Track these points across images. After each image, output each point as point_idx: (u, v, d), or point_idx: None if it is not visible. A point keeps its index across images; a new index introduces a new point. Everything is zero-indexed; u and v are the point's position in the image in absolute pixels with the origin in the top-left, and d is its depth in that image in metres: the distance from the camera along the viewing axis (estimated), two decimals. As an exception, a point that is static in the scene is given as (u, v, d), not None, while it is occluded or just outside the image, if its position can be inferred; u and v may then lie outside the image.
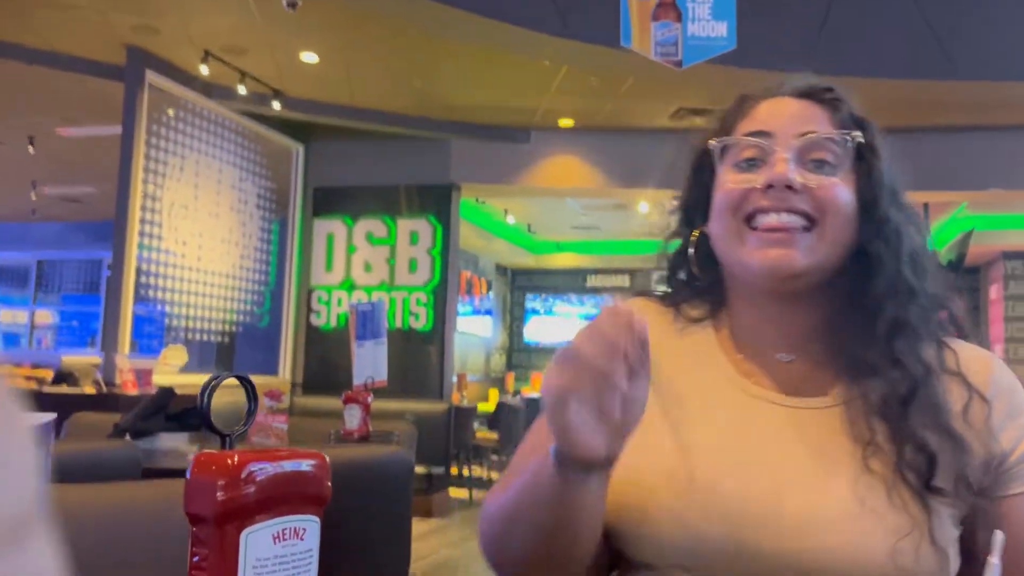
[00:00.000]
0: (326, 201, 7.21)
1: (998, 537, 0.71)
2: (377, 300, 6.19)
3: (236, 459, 0.67)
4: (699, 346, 0.95)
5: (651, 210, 8.58)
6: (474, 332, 10.55)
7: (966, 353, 0.90)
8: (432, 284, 7.07)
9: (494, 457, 7.81)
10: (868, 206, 0.87)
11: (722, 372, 0.92)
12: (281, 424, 2.83)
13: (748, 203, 0.87)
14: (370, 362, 3.29)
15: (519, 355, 12.10)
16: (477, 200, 8.30)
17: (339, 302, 7.12)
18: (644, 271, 1.07)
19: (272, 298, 7.06)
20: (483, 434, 7.83)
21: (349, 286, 7.17)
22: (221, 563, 0.66)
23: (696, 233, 0.96)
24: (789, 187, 0.85)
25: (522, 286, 12.23)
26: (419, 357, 6.93)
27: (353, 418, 2.92)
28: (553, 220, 9.99)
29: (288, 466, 0.69)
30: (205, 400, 0.73)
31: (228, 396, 0.84)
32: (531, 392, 11.09)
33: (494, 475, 7.96)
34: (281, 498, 0.68)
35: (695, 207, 0.97)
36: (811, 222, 0.86)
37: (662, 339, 0.92)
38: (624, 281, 11.68)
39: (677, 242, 0.99)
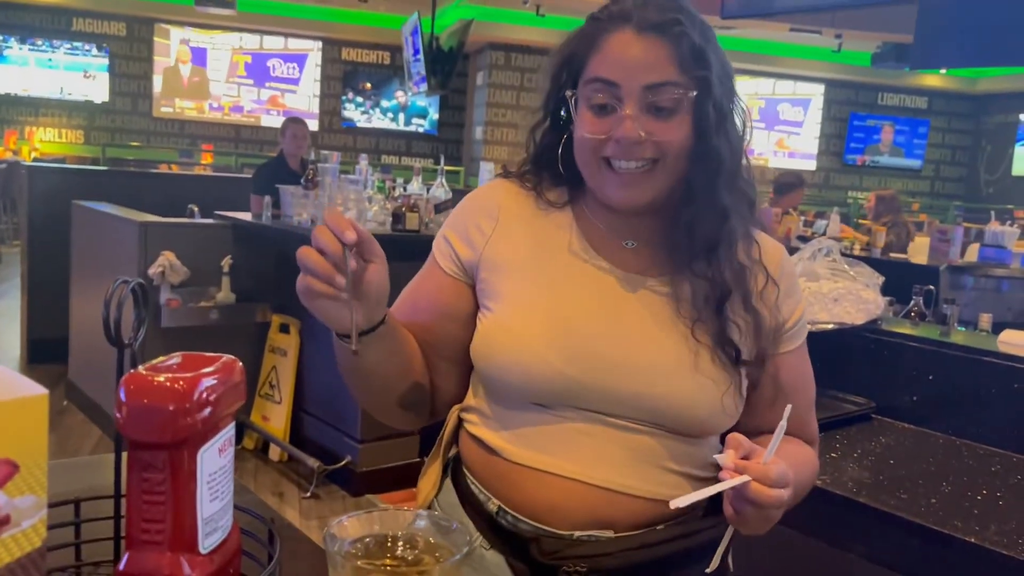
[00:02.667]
0: None
1: (788, 408, 0.93)
2: None
3: (183, 384, 0.64)
4: (560, 227, 1.11)
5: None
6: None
7: (765, 246, 1.11)
8: None
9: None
10: (699, 137, 1.01)
11: (579, 249, 1.09)
12: None
13: (602, 149, 1.01)
14: None
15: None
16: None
17: None
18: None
19: None
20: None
21: None
22: (180, 486, 0.65)
23: (564, 137, 1.09)
24: (635, 142, 0.99)
25: (-16, 22, 10.08)
26: None
27: None
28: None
29: (223, 379, 0.68)
30: (111, 311, 0.66)
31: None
32: (5, 155, 9.57)
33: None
34: (223, 411, 0.68)
35: (557, 109, 1.09)
36: (655, 161, 1.01)
37: (524, 217, 1.12)
38: (121, 29, 10.36)
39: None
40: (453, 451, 1.16)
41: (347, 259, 0.87)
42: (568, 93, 1.05)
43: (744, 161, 1.06)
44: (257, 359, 4.08)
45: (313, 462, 3.63)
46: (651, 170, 1.01)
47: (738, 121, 1.06)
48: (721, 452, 0.93)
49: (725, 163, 1.02)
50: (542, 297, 1.06)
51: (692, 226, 1.04)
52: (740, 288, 1.05)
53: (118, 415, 0.63)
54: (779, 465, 0.92)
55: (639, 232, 1.09)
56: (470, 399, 1.14)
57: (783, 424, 0.93)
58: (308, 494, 3.58)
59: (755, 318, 1.05)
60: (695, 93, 1.00)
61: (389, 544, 0.65)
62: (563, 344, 1.02)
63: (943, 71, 11.25)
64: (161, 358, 0.69)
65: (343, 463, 3.61)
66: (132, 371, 0.66)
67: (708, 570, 1.01)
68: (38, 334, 5.10)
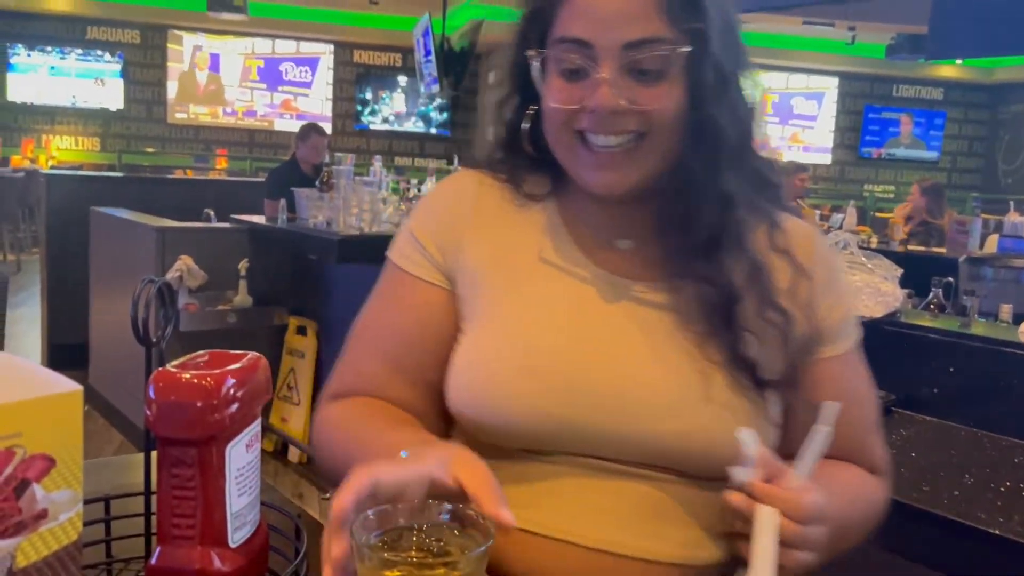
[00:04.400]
0: None
1: (830, 407, 0.73)
2: None
3: (211, 380, 0.65)
4: (540, 223, 0.92)
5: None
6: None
7: (794, 230, 0.91)
8: None
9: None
10: (694, 104, 0.82)
11: (562, 253, 0.90)
12: None
13: (575, 122, 0.83)
14: None
15: (0, 114, 10.30)
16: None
17: None
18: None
19: None
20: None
21: None
22: (210, 481, 0.66)
23: (532, 110, 0.90)
24: (614, 112, 0.81)
25: (1, 32, 10.18)
26: None
27: None
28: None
29: (249, 376, 0.69)
30: (139, 310, 0.67)
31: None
32: (23, 163, 9.68)
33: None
34: (249, 407, 0.69)
35: (523, 76, 0.89)
36: (641, 134, 0.82)
37: (499, 215, 0.92)
38: (135, 37, 10.45)
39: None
40: None
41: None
42: (531, 53, 0.85)
43: (755, 135, 0.88)
44: (275, 361, 4.10)
45: (333, 463, 3.64)
46: (635, 147, 0.82)
47: (746, 87, 0.87)
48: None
49: (727, 137, 0.83)
50: (518, 318, 0.87)
51: (688, 217, 0.85)
52: (755, 290, 0.86)
53: (148, 412, 0.64)
54: (813, 493, 0.73)
55: (635, 228, 0.90)
56: (455, 441, 0.92)
57: (823, 430, 0.73)
58: (328, 495, 3.60)
59: (781, 323, 0.85)
60: (688, 50, 0.80)
61: (415, 537, 0.66)
62: (545, 378, 0.83)
63: (959, 61, 11.16)
64: (188, 356, 0.71)
65: (362, 463, 3.62)
66: (160, 369, 0.66)
67: None
68: (59, 340, 5.15)
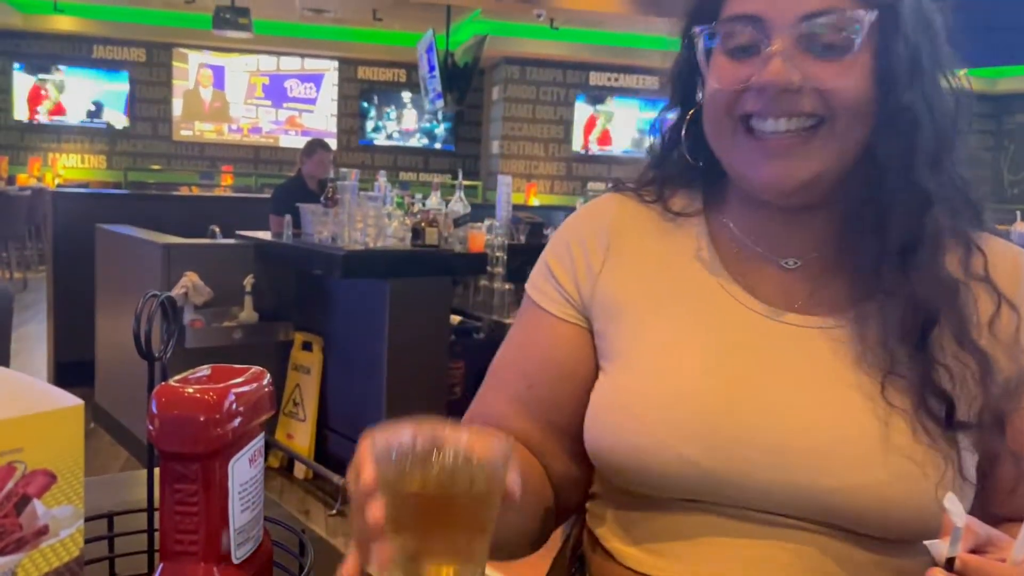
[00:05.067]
0: None
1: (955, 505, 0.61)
2: None
3: (213, 395, 0.65)
4: (688, 246, 0.83)
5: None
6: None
7: (995, 254, 0.78)
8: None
9: None
10: (884, 90, 0.72)
11: (717, 279, 0.80)
12: None
13: (741, 105, 0.74)
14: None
15: (7, 134, 10.36)
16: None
17: None
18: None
19: None
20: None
21: None
22: (213, 497, 0.65)
23: (691, 113, 0.82)
24: (787, 89, 0.71)
25: (7, 52, 10.26)
26: None
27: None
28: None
29: (252, 390, 0.69)
30: (142, 324, 0.66)
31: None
32: (30, 182, 9.72)
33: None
34: (252, 421, 0.68)
35: (688, 78, 0.82)
36: (819, 120, 0.72)
37: (642, 240, 0.84)
38: (141, 55, 10.52)
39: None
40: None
41: None
42: (696, 30, 0.76)
43: (957, 124, 0.76)
44: (280, 377, 4.10)
45: (339, 479, 3.63)
46: (813, 134, 0.72)
47: (944, 82, 0.76)
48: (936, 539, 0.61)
49: (925, 133, 0.73)
50: (662, 356, 0.78)
51: (882, 218, 0.73)
52: (952, 311, 0.73)
53: (150, 427, 0.64)
54: None
55: (805, 243, 0.79)
56: (595, 484, 0.87)
57: (958, 526, 0.60)
58: (334, 511, 3.59)
59: (979, 359, 0.73)
60: (874, 19, 0.70)
61: (435, 460, 0.58)
62: (694, 426, 0.74)
63: (963, 72, 11.15)
64: (191, 371, 0.70)
65: (368, 479, 3.61)
66: (163, 383, 0.66)
67: None
68: (65, 357, 5.15)
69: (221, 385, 0.67)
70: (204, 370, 0.71)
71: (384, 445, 0.58)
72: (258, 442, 0.70)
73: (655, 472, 0.75)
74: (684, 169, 0.84)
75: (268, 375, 0.73)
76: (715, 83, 0.76)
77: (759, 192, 0.77)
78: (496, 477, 0.59)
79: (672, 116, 0.86)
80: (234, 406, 0.66)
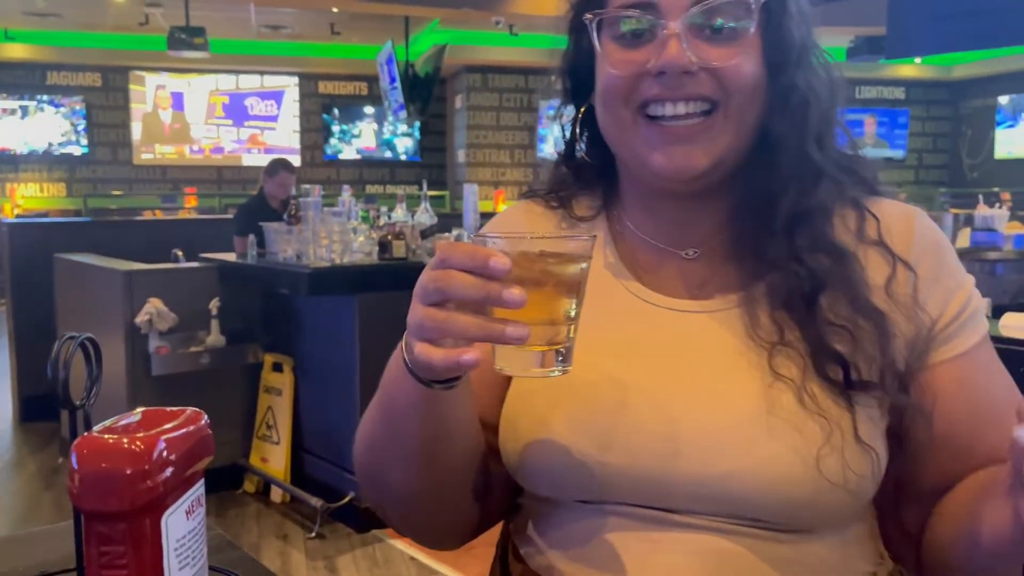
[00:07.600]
0: None
1: None
2: None
3: (140, 444, 0.59)
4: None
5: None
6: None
7: (889, 216, 0.78)
8: None
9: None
10: (774, 72, 0.74)
11: (615, 277, 0.82)
12: None
13: (638, 92, 0.74)
14: None
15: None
16: None
17: None
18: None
19: None
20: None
21: None
22: (144, 557, 0.59)
23: (583, 109, 0.83)
24: (685, 71, 0.72)
25: (-42, 83, 10.06)
26: None
27: None
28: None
29: (186, 434, 0.63)
30: (59, 370, 0.61)
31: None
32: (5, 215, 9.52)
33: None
34: (188, 469, 0.63)
35: (579, 74, 0.82)
36: (713, 104, 0.73)
37: None
38: (96, 80, 10.33)
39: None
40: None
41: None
42: (588, 16, 0.76)
43: (838, 102, 0.78)
44: (252, 400, 4.01)
45: (316, 501, 3.55)
46: (709, 120, 0.73)
47: (819, 67, 0.78)
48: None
49: (813, 110, 0.75)
50: None
51: (773, 197, 0.74)
52: (842, 285, 0.73)
53: (70, 484, 0.58)
54: None
55: (702, 232, 0.80)
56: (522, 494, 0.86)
57: None
58: (313, 534, 3.51)
59: (876, 319, 0.72)
60: (763, 3, 0.73)
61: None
62: (592, 420, 0.74)
63: (918, 60, 11.29)
64: (118, 417, 0.65)
65: (347, 500, 3.54)
66: (85, 434, 0.60)
67: None
68: (29, 392, 5.02)
69: (151, 432, 0.61)
70: (134, 415, 0.65)
71: (490, 235, 0.64)
72: (197, 490, 0.64)
73: (556, 471, 0.75)
74: (582, 170, 0.86)
75: (205, 416, 0.67)
76: (611, 70, 0.75)
77: (662, 179, 0.77)
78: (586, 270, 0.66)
79: (567, 115, 0.87)
80: (165, 454, 0.60)
